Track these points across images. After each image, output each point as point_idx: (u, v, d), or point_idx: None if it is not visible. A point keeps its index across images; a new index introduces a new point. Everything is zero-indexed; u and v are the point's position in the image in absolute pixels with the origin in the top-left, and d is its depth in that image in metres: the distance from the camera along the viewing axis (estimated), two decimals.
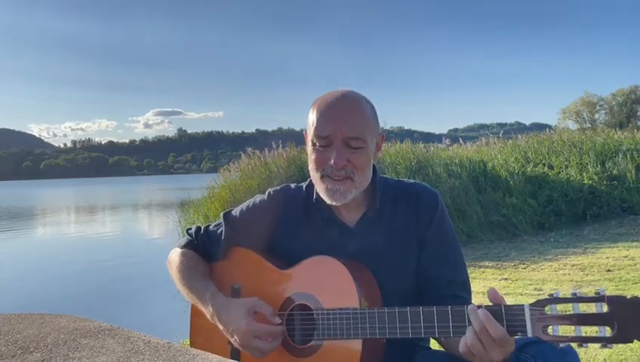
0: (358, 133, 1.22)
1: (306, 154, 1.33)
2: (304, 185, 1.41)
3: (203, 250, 1.44)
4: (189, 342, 1.41)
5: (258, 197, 1.44)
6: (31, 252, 11.11)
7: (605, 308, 0.96)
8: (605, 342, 0.95)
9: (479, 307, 1.04)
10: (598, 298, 0.97)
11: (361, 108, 1.26)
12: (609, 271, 4.80)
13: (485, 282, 4.74)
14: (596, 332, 0.96)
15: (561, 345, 0.98)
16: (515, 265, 5.48)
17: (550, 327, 0.98)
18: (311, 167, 1.29)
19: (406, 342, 1.26)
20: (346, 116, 1.23)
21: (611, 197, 8.39)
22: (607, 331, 0.95)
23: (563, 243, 6.59)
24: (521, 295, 4.17)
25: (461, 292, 1.28)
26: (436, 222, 1.30)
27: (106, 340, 1.13)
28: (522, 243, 6.91)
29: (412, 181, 1.40)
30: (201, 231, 1.46)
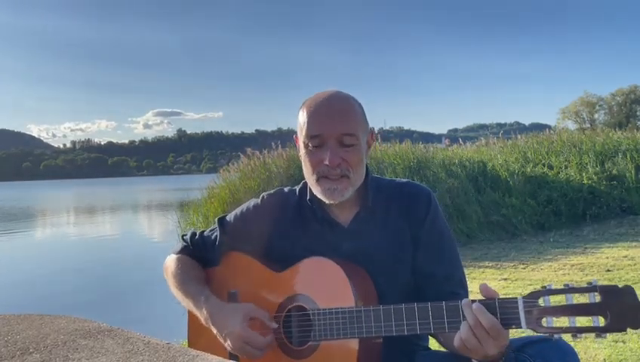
0: (350, 129, 1.23)
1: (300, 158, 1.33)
2: (297, 188, 1.41)
3: (198, 255, 1.44)
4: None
5: (252, 202, 1.44)
6: (30, 253, 11.10)
7: (598, 298, 0.97)
8: (599, 331, 0.95)
9: (473, 301, 1.04)
10: (591, 288, 0.98)
11: (350, 105, 1.27)
12: (609, 271, 4.81)
13: (485, 282, 4.73)
14: (590, 322, 0.96)
15: (556, 336, 0.99)
16: (514, 265, 5.48)
17: (544, 319, 0.99)
18: (306, 170, 1.29)
19: (404, 342, 1.27)
20: (337, 114, 1.23)
21: (611, 197, 8.39)
22: (600, 321, 0.96)
23: (562, 244, 6.59)
24: (521, 295, 4.16)
25: (458, 289, 1.28)
26: (430, 220, 1.31)
27: (105, 341, 1.13)
28: (522, 244, 6.91)
29: (405, 180, 1.40)
30: (196, 236, 1.46)
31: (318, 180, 1.25)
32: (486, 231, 7.59)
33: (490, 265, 5.66)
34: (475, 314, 1.02)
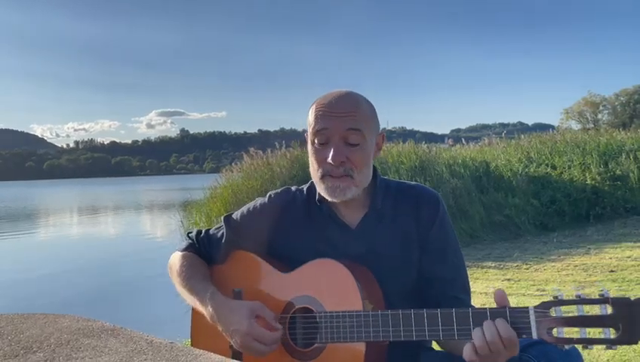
0: (356, 125, 1.22)
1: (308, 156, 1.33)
2: (305, 187, 1.40)
3: (204, 253, 1.44)
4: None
5: (259, 200, 1.43)
6: (33, 252, 11.13)
7: (609, 310, 0.96)
8: (610, 343, 0.95)
9: (494, 316, 1.04)
10: (602, 300, 0.97)
11: (358, 104, 1.26)
12: (612, 271, 4.79)
13: (488, 283, 4.73)
14: (601, 333, 0.96)
15: (566, 346, 0.98)
16: (517, 266, 5.47)
17: (555, 329, 0.99)
18: (311, 167, 1.29)
19: (409, 343, 1.26)
20: (344, 111, 1.23)
21: (614, 197, 8.38)
22: (611, 332, 0.96)
23: (566, 244, 6.58)
24: (524, 296, 4.16)
25: (461, 294, 1.28)
26: (438, 224, 1.30)
27: (108, 340, 1.13)
28: (525, 244, 6.90)
29: (413, 183, 1.40)
30: (202, 234, 1.46)
31: (322, 178, 1.25)
32: (489, 231, 7.58)
33: (493, 265, 5.65)
34: (496, 326, 1.02)
